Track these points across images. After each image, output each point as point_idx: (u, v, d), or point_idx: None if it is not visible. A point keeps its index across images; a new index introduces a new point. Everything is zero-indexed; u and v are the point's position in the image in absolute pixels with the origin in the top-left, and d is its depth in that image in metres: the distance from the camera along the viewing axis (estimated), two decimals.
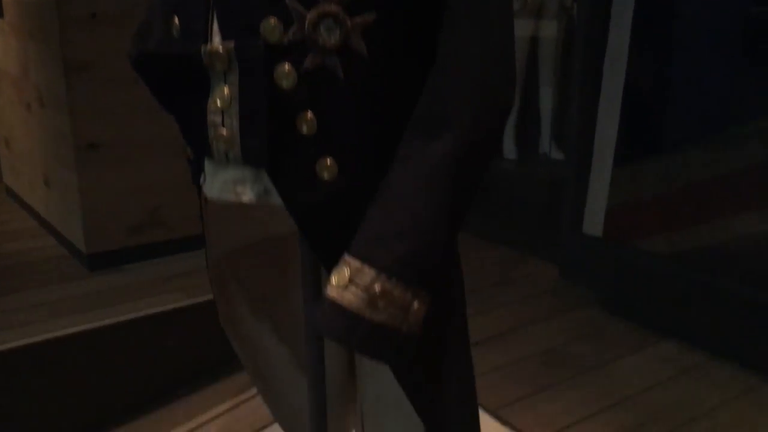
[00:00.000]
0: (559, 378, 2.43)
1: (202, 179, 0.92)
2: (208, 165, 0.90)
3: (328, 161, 0.80)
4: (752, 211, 2.44)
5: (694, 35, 2.77)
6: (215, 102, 0.82)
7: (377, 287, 0.75)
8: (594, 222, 2.75)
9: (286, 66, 0.78)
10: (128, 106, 3.12)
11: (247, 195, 0.85)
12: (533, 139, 4.56)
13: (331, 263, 0.80)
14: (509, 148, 4.54)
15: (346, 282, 0.76)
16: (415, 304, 0.77)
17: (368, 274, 0.76)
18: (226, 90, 0.82)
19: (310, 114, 0.79)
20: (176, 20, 0.85)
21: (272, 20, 0.77)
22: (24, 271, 3.27)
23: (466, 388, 0.96)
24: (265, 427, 1.94)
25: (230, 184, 0.87)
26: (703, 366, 2.47)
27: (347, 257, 0.78)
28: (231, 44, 0.79)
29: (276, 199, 0.84)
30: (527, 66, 4.39)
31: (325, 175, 0.81)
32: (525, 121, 4.54)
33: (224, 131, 0.83)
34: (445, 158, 0.76)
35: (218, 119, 0.83)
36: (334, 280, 0.78)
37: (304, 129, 0.80)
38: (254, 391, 2.01)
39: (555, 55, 4.38)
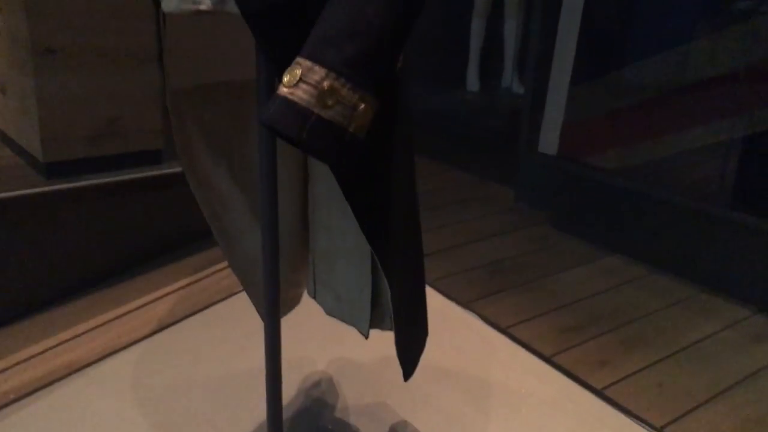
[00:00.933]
0: (507, 285, 2.52)
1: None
2: None
3: None
4: (697, 127, 2.53)
5: None
6: None
7: (326, 84, 0.79)
8: (549, 140, 2.82)
9: None
10: (89, 10, 3.06)
11: (205, 3, 0.88)
12: (496, 73, 4.61)
13: (284, 68, 0.83)
14: (472, 81, 4.58)
15: (296, 80, 0.80)
16: (362, 106, 0.80)
17: (318, 72, 0.79)
18: None
19: None
20: None
21: None
22: None
23: (410, 205, 1.01)
24: (223, 299, 1.99)
25: None
26: (646, 277, 2.59)
27: (299, 58, 0.81)
28: None
29: (232, 7, 0.86)
30: None
31: None
32: (489, 54, 4.57)
33: None
34: None
35: None
36: (285, 79, 0.81)
37: None
38: (213, 268, 2.06)
39: None
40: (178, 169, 3.07)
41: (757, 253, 2.28)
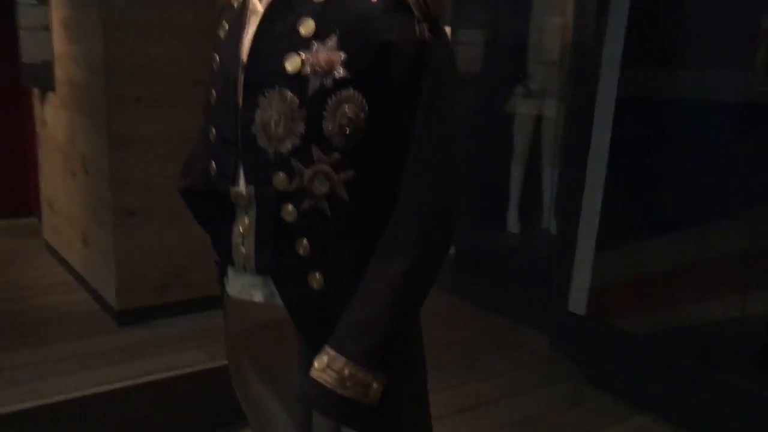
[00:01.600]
0: None
1: (225, 280, 1.23)
2: (230, 271, 1.20)
3: (318, 275, 1.10)
4: (722, 299, 2.69)
5: (676, 129, 3.07)
6: (238, 228, 1.14)
7: (346, 371, 1.04)
8: (578, 301, 3.01)
9: (290, 206, 1.09)
10: (162, 178, 3.46)
11: (258, 297, 1.16)
12: (536, 214, 4.84)
13: (316, 348, 1.09)
14: (513, 223, 4.82)
15: (324, 366, 1.05)
16: (374, 384, 1.05)
17: (340, 360, 1.04)
18: (246, 220, 1.13)
19: (305, 241, 1.10)
20: (213, 164, 1.17)
21: (281, 174, 1.08)
22: (58, 324, 3.58)
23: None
24: None
25: (246, 288, 1.17)
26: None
27: (327, 347, 1.07)
28: (252, 189, 1.11)
29: (278, 300, 1.14)
30: (531, 144, 4.70)
31: (315, 285, 1.11)
32: (528, 196, 4.82)
33: (243, 250, 1.14)
34: (399, 278, 1.05)
35: (240, 241, 1.14)
36: (316, 364, 1.07)
37: (301, 251, 1.10)
38: None
39: (555, 135, 4.69)
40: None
41: None
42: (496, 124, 4.79)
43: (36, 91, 4.54)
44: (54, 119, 4.30)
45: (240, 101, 1.11)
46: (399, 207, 1.09)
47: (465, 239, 4.33)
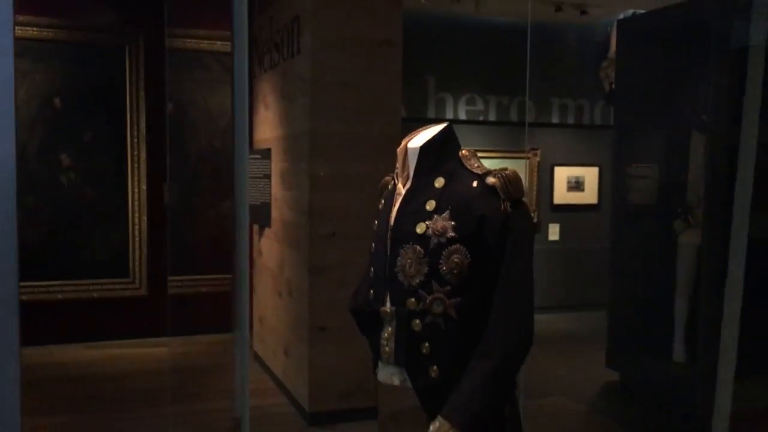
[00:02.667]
0: None
1: (376, 370, 1.79)
2: (380, 363, 1.76)
3: (435, 367, 1.62)
4: None
5: None
6: (384, 334, 1.70)
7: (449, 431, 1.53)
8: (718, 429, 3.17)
9: (417, 320, 1.64)
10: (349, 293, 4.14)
11: (396, 381, 1.70)
12: (706, 342, 4.90)
13: (433, 415, 1.60)
14: (679, 352, 4.93)
15: (436, 428, 1.56)
16: None
17: (446, 425, 1.54)
18: (389, 329, 1.69)
19: (427, 344, 1.63)
20: (371, 292, 1.77)
21: (412, 299, 1.64)
22: (261, 421, 4.28)
23: None
24: None
25: (389, 375, 1.72)
26: None
27: (439, 416, 1.57)
28: (393, 308, 1.68)
29: (409, 384, 1.67)
30: (696, 273, 4.86)
31: (433, 375, 1.63)
32: (696, 325, 4.93)
33: (387, 349, 1.70)
34: (488, 373, 1.54)
35: (385, 343, 1.70)
36: (431, 427, 1.57)
37: (424, 351, 1.64)
38: None
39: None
40: None
41: None
42: (665, 255, 5.03)
43: (255, 227, 5.56)
44: (268, 250, 5.24)
45: (388, 251, 1.71)
46: (490, 323, 1.60)
47: (630, 367, 4.52)
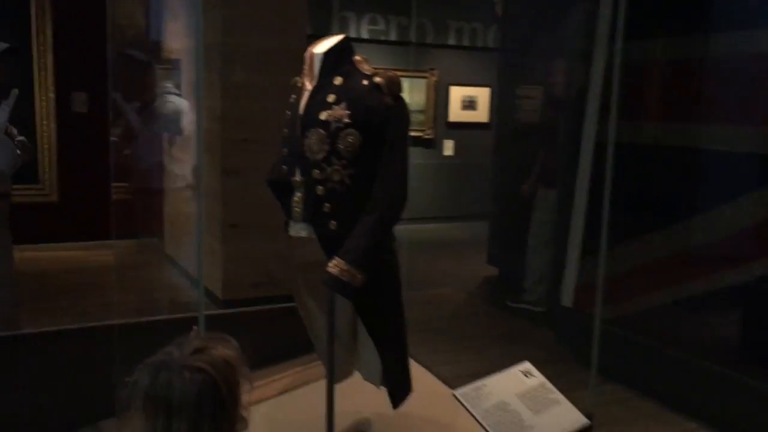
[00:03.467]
0: None
1: (287, 228, 2.28)
2: (290, 222, 2.26)
3: (334, 222, 2.13)
4: (673, 287, 3.55)
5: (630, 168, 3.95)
6: (295, 198, 2.19)
7: (345, 268, 2.05)
8: (567, 296, 3.90)
9: (320, 187, 2.13)
10: (258, 200, 4.58)
11: (304, 234, 2.20)
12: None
13: (331, 257, 2.11)
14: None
15: (333, 265, 2.07)
16: (358, 275, 2.06)
17: (342, 263, 2.06)
18: (299, 194, 2.18)
19: (328, 204, 2.13)
20: (284, 167, 2.24)
21: (317, 171, 2.13)
22: (176, 311, 4.69)
23: (397, 325, 2.24)
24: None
25: (299, 230, 2.22)
26: (630, 400, 3.52)
27: (335, 257, 2.09)
28: (302, 178, 2.16)
29: (314, 236, 2.18)
30: None
31: (332, 228, 2.13)
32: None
33: (297, 210, 2.19)
34: (373, 223, 2.06)
35: (295, 205, 2.19)
36: (330, 264, 2.09)
37: (325, 210, 2.13)
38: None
39: None
40: None
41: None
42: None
43: (166, 136, 5.84)
44: (180, 156, 5.56)
45: (299, 134, 2.18)
46: (375, 188, 2.11)
47: (507, 263, 5.19)
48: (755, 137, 3.42)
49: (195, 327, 1.67)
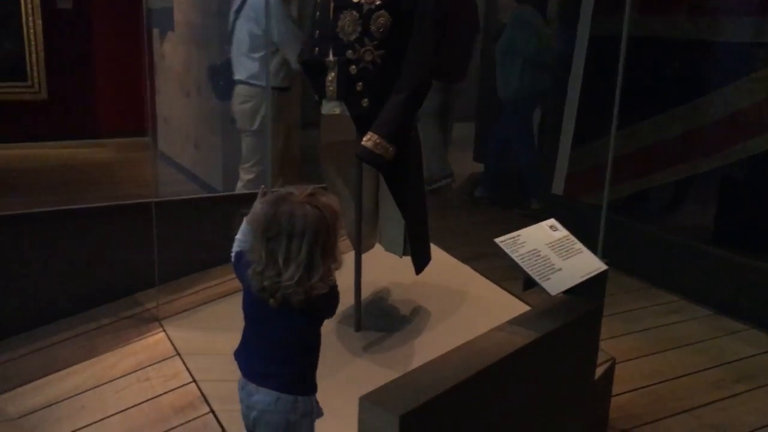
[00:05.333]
0: None
1: (321, 106, 2.43)
2: (323, 101, 2.41)
3: (366, 100, 2.28)
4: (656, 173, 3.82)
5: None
6: (328, 78, 2.33)
7: (377, 140, 2.23)
8: (558, 185, 4.14)
9: (353, 66, 2.27)
10: None
11: (337, 111, 2.36)
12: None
13: (363, 133, 2.28)
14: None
15: (367, 139, 2.24)
16: (391, 148, 2.24)
17: (375, 137, 2.23)
18: (332, 74, 2.32)
19: (360, 83, 2.28)
20: (317, 48, 2.37)
21: (349, 51, 2.26)
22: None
23: (421, 198, 2.44)
24: None
25: (331, 107, 2.37)
26: (615, 277, 3.83)
27: (369, 132, 2.26)
28: (336, 58, 2.30)
29: (347, 113, 2.34)
30: None
31: (364, 105, 2.29)
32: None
33: (330, 89, 2.33)
34: (403, 100, 2.22)
35: (329, 84, 2.34)
36: (364, 139, 2.26)
37: (358, 88, 2.28)
38: None
39: None
40: None
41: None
42: None
43: (157, 31, 5.82)
44: (171, 53, 5.58)
45: (331, 16, 2.30)
46: (404, 68, 2.27)
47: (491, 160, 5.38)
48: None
49: (263, 186, 1.85)
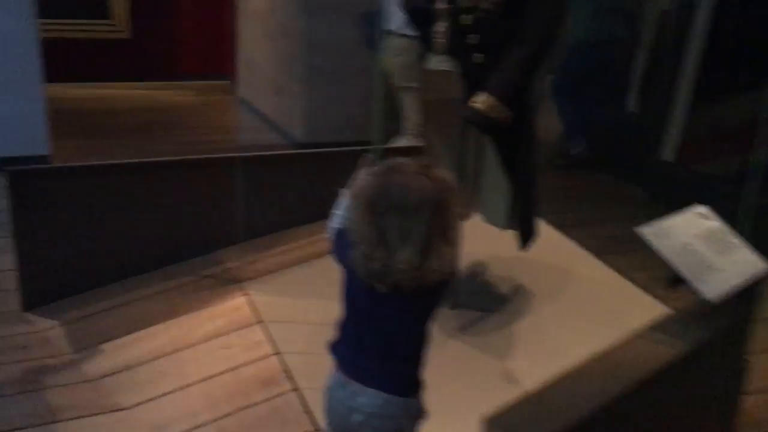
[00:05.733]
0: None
1: (428, 61, 2.17)
2: (431, 55, 2.15)
3: (480, 56, 2.02)
4: None
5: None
6: (438, 28, 2.07)
7: (492, 102, 1.96)
8: (670, 151, 3.77)
9: (466, 16, 2.00)
10: (346, 41, 4.43)
11: (445, 66, 2.10)
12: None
13: (472, 94, 2.02)
14: (633, 101, 5.47)
15: (481, 101, 1.98)
16: (505, 111, 1.97)
17: (490, 98, 1.97)
18: (441, 25, 2.05)
19: (474, 35, 2.01)
20: None
21: None
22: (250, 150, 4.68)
23: (531, 167, 2.17)
24: None
25: (439, 62, 2.11)
26: None
27: (481, 91, 1.99)
28: (446, 6, 2.03)
29: (456, 69, 2.07)
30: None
31: (477, 61, 2.02)
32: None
33: (440, 41, 2.07)
34: (523, 57, 1.94)
35: (438, 36, 2.07)
36: (475, 99, 2.00)
37: (471, 41, 2.01)
38: None
39: None
40: None
41: None
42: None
43: None
44: None
45: None
46: (526, 19, 1.98)
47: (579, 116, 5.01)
48: None
49: (367, 155, 1.63)
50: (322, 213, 3.11)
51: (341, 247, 1.45)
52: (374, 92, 2.57)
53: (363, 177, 1.40)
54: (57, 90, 4.20)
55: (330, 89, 4.58)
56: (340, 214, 1.54)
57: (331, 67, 4.54)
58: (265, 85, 5.35)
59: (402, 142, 3.72)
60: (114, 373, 2.22)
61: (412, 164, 1.36)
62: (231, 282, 2.66)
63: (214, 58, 6.43)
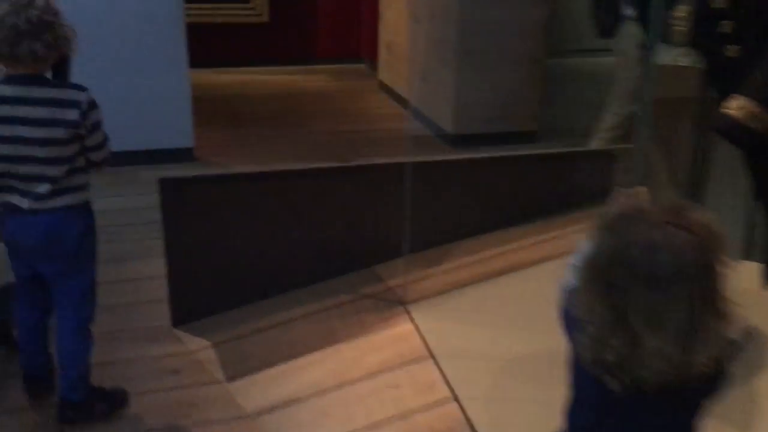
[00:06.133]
0: None
1: (658, 53, 1.75)
2: (662, 47, 1.72)
3: (735, 48, 1.58)
4: None
5: None
6: (678, 13, 1.64)
7: (754, 108, 1.52)
8: None
9: None
10: (504, 24, 4.04)
11: (684, 62, 1.67)
12: None
13: (725, 97, 1.58)
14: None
15: (737, 107, 1.55)
16: None
17: (749, 103, 1.53)
18: (683, 8, 1.63)
19: (728, 22, 1.57)
20: None
21: None
22: (396, 144, 4.34)
23: None
24: None
25: (676, 56, 1.68)
26: None
27: (736, 95, 1.56)
28: None
29: (695, 64, 1.64)
30: None
31: (731, 54, 1.58)
32: None
33: (680, 29, 1.64)
34: None
35: (677, 23, 1.65)
36: (729, 103, 1.56)
37: (724, 29, 1.58)
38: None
39: None
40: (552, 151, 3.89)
41: None
42: None
43: None
44: None
45: None
46: None
47: None
48: None
49: (618, 187, 1.25)
50: (495, 223, 2.76)
51: (568, 320, 1.08)
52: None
53: (595, 231, 1.02)
54: (195, 76, 4.05)
55: (483, 76, 4.20)
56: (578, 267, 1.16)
57: (484, 51, 4.15)
58: (408, 70, 5.03)
59: (593, 144, 3.30)
60: (273, 410, 1.98)
61: (657, 209, 0.98)
62: (394, 303, 2.36)
63: (350, 41, 6.20)
